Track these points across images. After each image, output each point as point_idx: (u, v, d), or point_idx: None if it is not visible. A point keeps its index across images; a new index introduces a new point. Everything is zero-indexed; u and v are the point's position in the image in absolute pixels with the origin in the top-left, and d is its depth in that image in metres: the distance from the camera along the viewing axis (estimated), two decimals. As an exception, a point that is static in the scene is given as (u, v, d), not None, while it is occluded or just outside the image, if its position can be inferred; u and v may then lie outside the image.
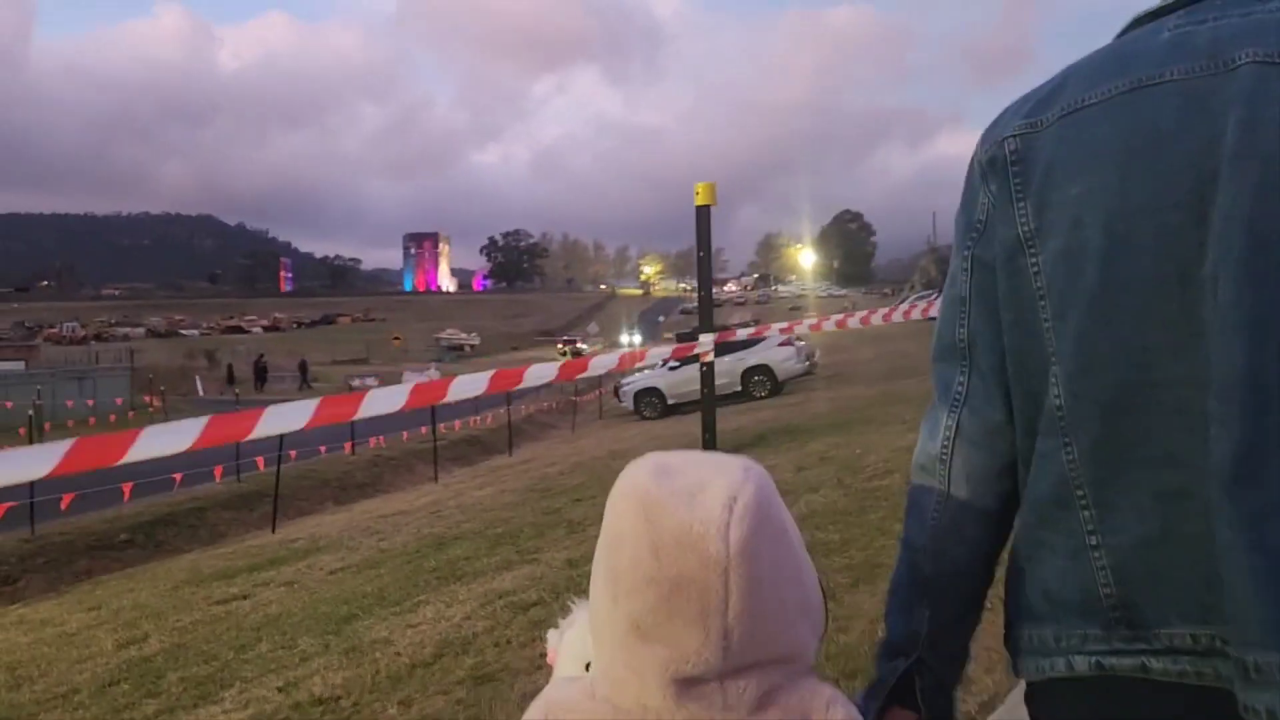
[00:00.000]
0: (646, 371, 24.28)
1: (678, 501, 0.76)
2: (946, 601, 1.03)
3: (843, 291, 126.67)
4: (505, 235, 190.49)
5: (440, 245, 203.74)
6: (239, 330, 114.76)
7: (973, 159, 1.00)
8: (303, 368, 49.20)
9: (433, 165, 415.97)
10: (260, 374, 46.47)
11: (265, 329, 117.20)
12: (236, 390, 41.35)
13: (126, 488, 12.88)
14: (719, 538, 0.74)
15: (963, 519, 1.01)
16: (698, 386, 24.26)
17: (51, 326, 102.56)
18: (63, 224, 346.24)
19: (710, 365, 5.18)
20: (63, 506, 11.54)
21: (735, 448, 11.15)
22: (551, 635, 1.12)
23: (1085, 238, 0.87)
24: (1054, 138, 0.91)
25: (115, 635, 6.04)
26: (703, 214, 4.46)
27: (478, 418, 24.30)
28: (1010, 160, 0.94)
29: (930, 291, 65.81)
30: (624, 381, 24.82)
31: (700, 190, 4.39)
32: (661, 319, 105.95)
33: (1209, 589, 0.82)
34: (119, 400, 28.06)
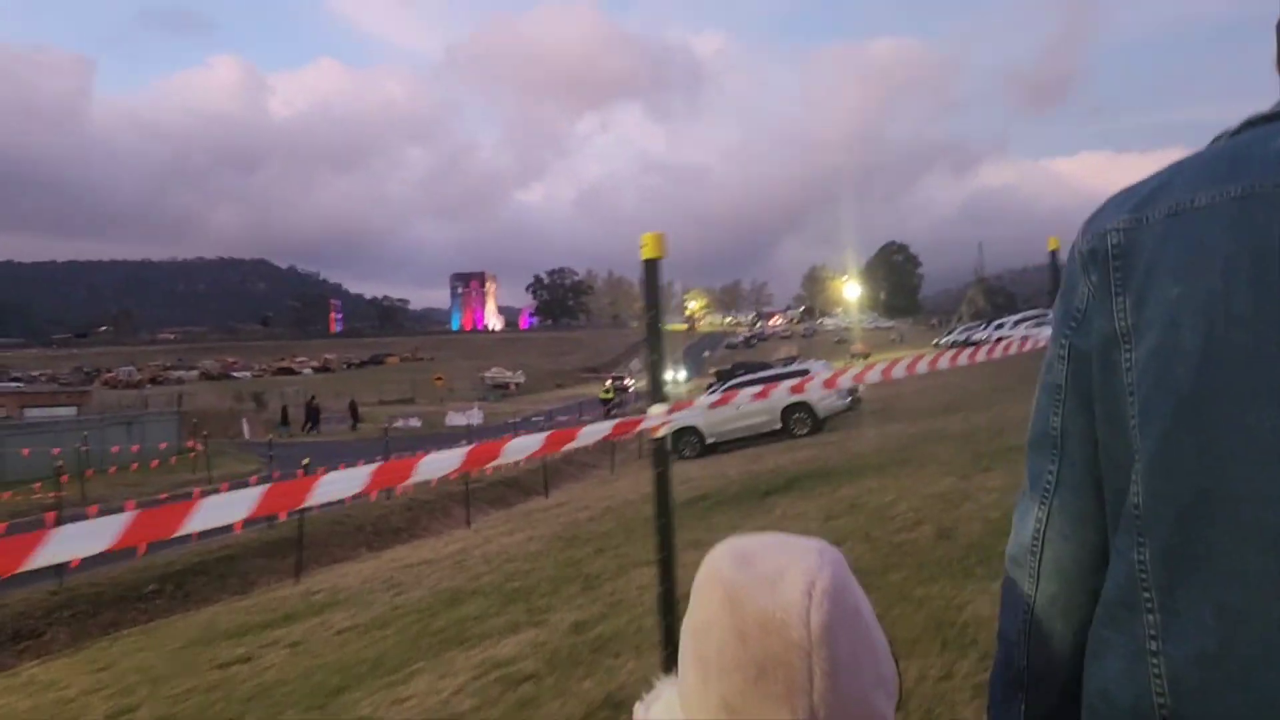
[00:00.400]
0: (683, 411, 23.97)
1: (759, 589, 0.81)
2: (1041, 695, 1.01)
3: (890, 323, 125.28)
4: (550, 273, 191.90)
5: (487, 284, 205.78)
6: (290, 372, 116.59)
7: (1074, 247, 1.00)
8: (353, 409, 49.35)
9: (479, 205, 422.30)
10: (312, 415, 46.75)
11: (315, 370, 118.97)
12: (289, 433, 41.74)
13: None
14: (800, 624, 0.78)
15: (1053, 612, 1.00)
16: (737, 425, 23.93)
17: (109, 371, 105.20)
18: (122, 270, 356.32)
19: (662, 443, 4.01)
20: (73, 565, 11.18)
21: (768, 492, 10.78)
22: (638, 708, 1.05)
23: (1180, 340, 0.86)
24: (1158, 236, 0.90)
25: (109, 703, 5.84)
26: (651, 268, 3.76)
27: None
28: (1112, 253, 0.93)
29: (978, 323, 65.13)
30: (662, 420, 24.48)
31: (647, 242, 3.70)
32: (707, 354, 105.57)
33: (1260, 714, 0.80)
34: (163, 445, 28.29)
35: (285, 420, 46.49)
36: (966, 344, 55.03)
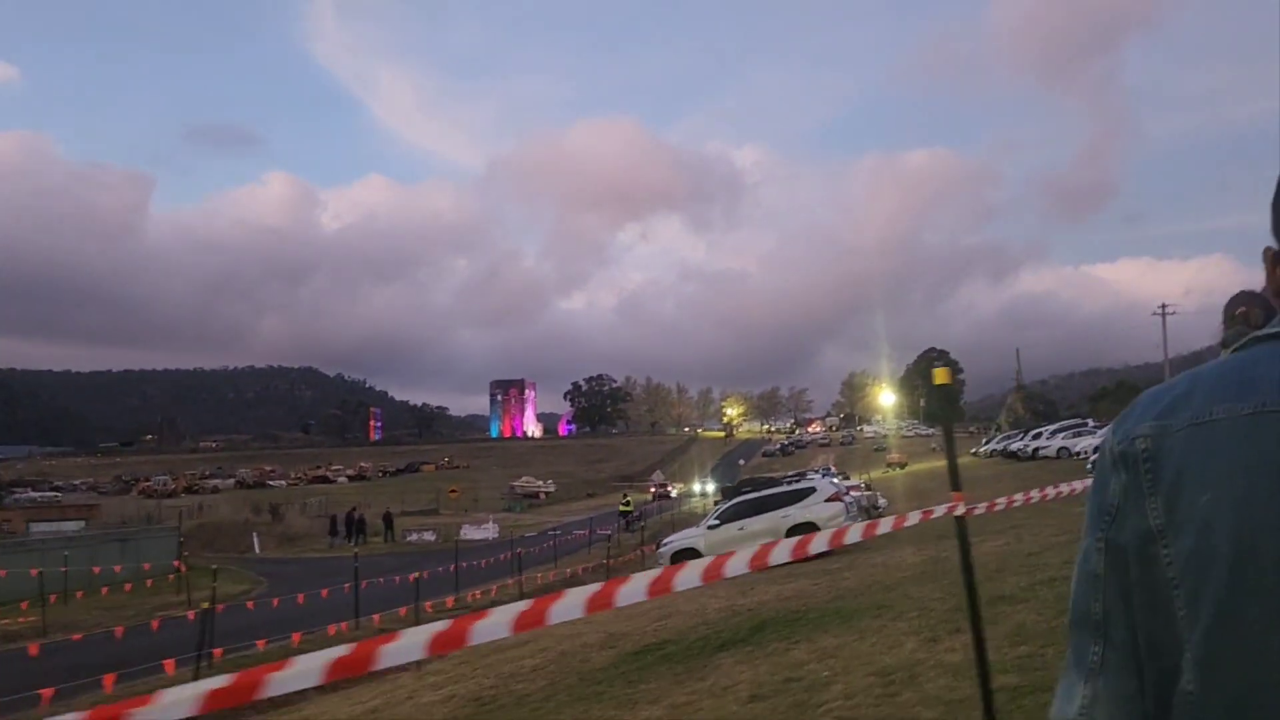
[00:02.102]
0: (686, 531, 22.58)
1: None
2: None
3: (929, 431, 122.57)
4: (589, 380, 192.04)
5: (526, 391, 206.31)
6: (325, 480, 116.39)
7: (1105, 446, 1.06)
8: (388, 520, 48.05)
9: (521, 313, 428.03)
10: (358, 526, 45.38)
11: (350, 478, 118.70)
12: (338, 544, 40.28)
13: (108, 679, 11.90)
14: None
15: None
16: (740, 547, 22.45)
17: (146, 480, 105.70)
18: (173, 379, 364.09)
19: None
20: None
21: (724, 644, 9.46)
22: None
23: (1215, 544, 0.92)
24: (1183, 444, 0.97)
25: None
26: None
27: (512, 579, 22.79)
28: (1142, 457, 1.00)
29: (1017, 431, 63.03)
30: (665, 540, 23.15)
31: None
32: (742, 462, 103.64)
33: None
34: (146, 565, 27.36)
35: (334, 530, 45.49)
36: (1004, 453, 53.29)
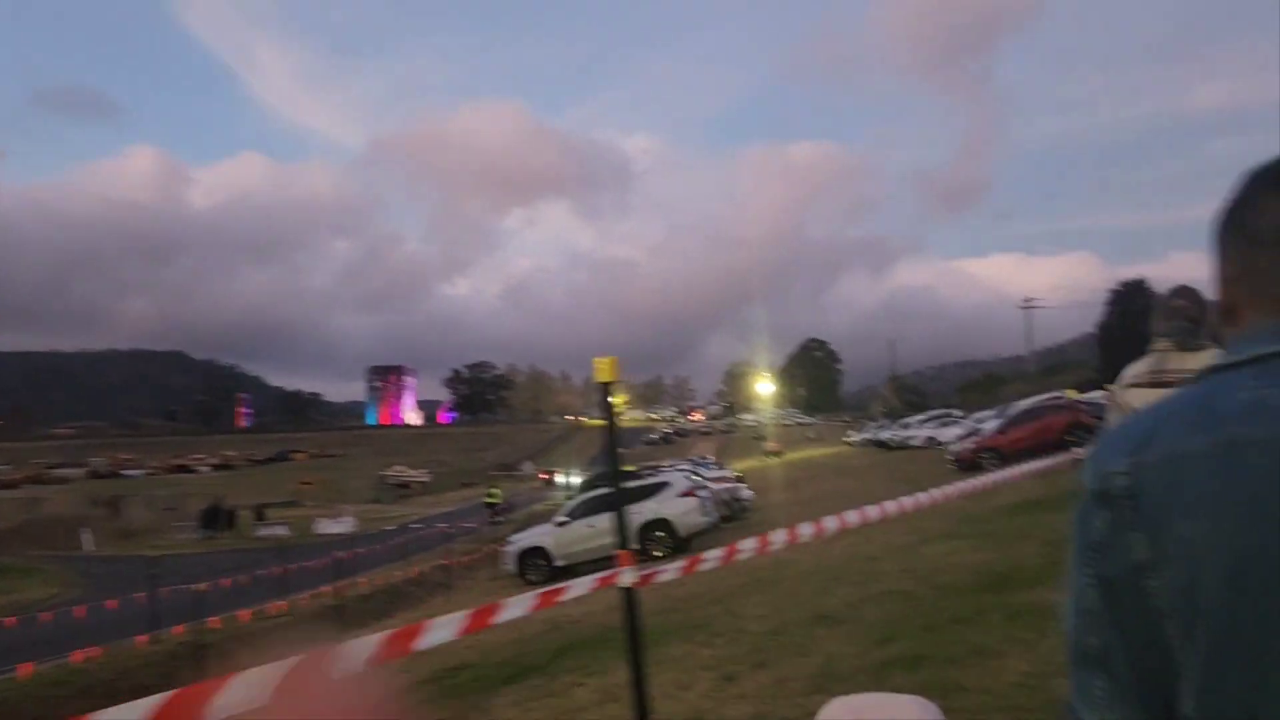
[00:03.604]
0: (534, 529, 21.37)
1: None
2: None
3: (808, 420, 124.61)
4: (470, 367, 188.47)
5: (405, 377, 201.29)
6: (187, 470, 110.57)
7: (1083, 485, 1.07)
8: (230, 514, 45.00)
9: (403, 299, 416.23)
10: (211, 518, 42.26)
11: (215, 467, 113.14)
12: (210, 536, 37.14)
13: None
14: None
15: None
16: (591, 545, 21.03)
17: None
18: (25, 362, 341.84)
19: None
20: None
21: (514, 676, 8.29)
22: None
23: (1202, 574, 0.94)
24: (1159, 479, 0.99)
25: None
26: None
27: (330, 586, 20.99)
28: (1122, 495, 1.01)
29: (887, 421, 64.16)
30: (511, 538, 21.89)
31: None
32: (622, 451, 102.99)
33: None
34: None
35: (208, 523, 42.41)
36: (875, 442, 54.10)
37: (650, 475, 23.01)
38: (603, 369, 3.60)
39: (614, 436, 3.78)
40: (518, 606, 5.18)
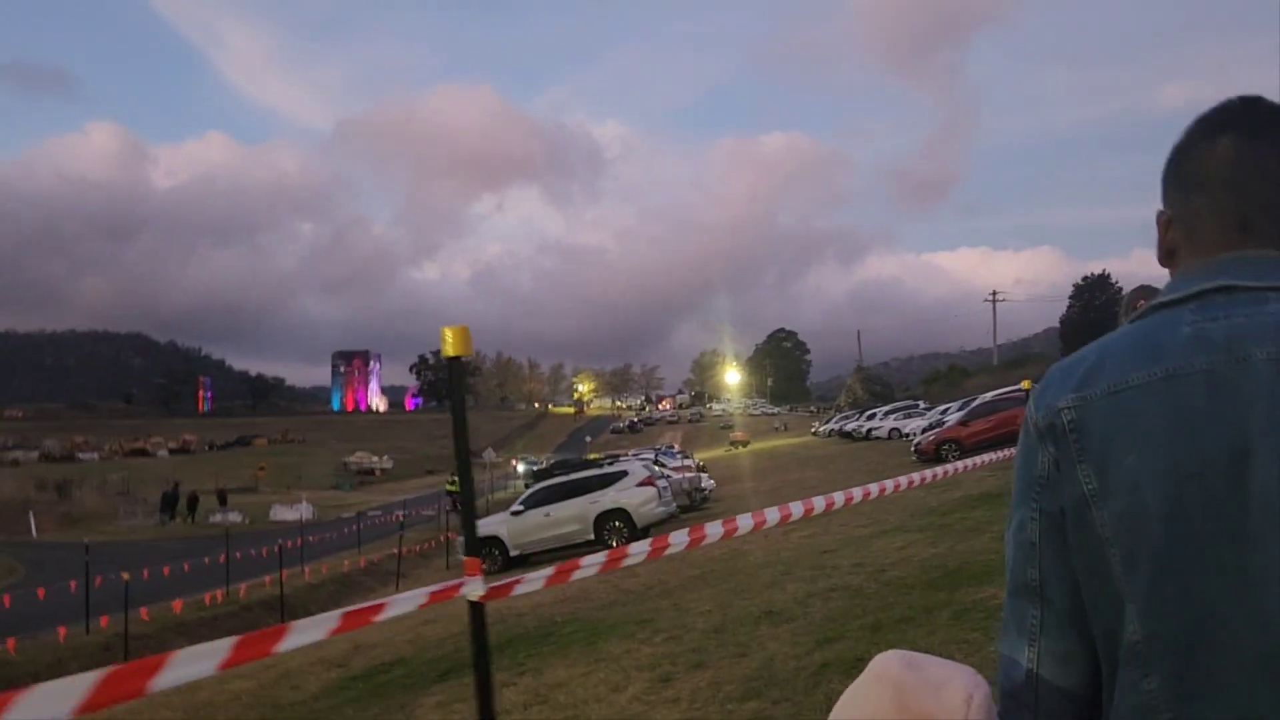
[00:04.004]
0: (490, 518, 20.97)
1: (925, 691, 0.94)
2: None
3: (775, 410, 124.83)
4: (435, 353, 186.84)
5: (371, 363, 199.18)
6: (143, 453, 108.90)
7: (1027, 420, 1.12)
8: (191, 498, 44.16)
9: (369, 283, 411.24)
10: (189, 503, 41.33)
11: (173, 451, 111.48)
12: (167, 521, 36.27)
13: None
14: None
15: None
16: (547, 534, 20.65)
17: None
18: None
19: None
20: None
21: (450, 669, 7.95)
22: None
23: (1144, 501, 0.99)
24: (1104, 412, 1.04)
25: None
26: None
27: (269, 578, 20.44)
28: (1068, 428, 1.05)
29: (854, 412, 64.19)
30: (467, 527, 21.46)
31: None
32: (589, 439, 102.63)
33: None
34: None
35: (165, 508, 41.45)
36: (841, 433, 54.09)
37: (609, 464, 22.67)
38: (451, 340, 3.16)
39: (462, 420, 3.33)
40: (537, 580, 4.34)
